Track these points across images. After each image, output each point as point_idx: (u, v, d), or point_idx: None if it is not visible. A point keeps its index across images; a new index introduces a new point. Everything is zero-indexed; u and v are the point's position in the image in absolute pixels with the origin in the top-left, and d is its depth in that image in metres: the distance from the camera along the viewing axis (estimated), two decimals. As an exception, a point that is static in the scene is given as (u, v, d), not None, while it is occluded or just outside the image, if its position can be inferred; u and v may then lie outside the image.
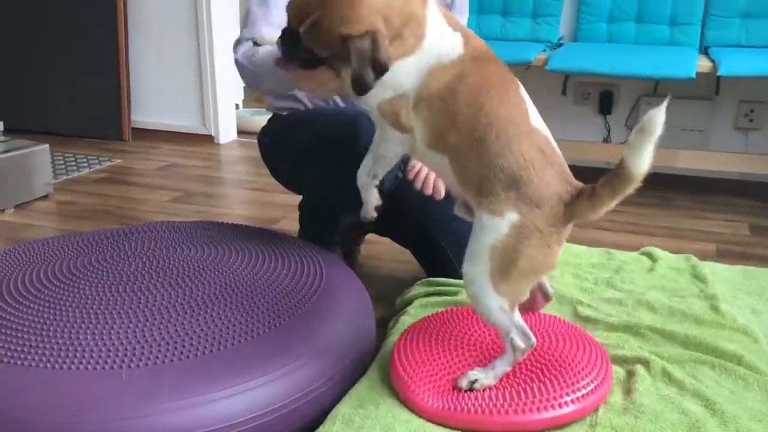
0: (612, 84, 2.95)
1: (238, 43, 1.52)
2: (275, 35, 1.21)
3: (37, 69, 3.53)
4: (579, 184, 1.09)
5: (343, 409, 1.12)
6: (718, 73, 2.43)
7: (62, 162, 3.08)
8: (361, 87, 1.04)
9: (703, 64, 2.51)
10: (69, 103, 3.51)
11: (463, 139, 1.09)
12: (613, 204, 1.07)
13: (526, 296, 1.11)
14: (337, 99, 1.69)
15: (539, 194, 1.05)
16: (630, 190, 1.04)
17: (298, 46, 1.08)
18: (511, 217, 1.05)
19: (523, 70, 2.74)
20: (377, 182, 1.21)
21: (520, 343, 1.10)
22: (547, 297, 1.25)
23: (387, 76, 1.05)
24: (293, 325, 1.20)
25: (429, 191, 1.55)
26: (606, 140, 3.01)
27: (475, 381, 1.12)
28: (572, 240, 1.93)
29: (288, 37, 1.11)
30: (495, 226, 1.06)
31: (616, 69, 2.55)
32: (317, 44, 1.07)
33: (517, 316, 1.10)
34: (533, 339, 1.11)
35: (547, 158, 1.08)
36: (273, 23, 1.49)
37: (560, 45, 2.88)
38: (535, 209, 1.05)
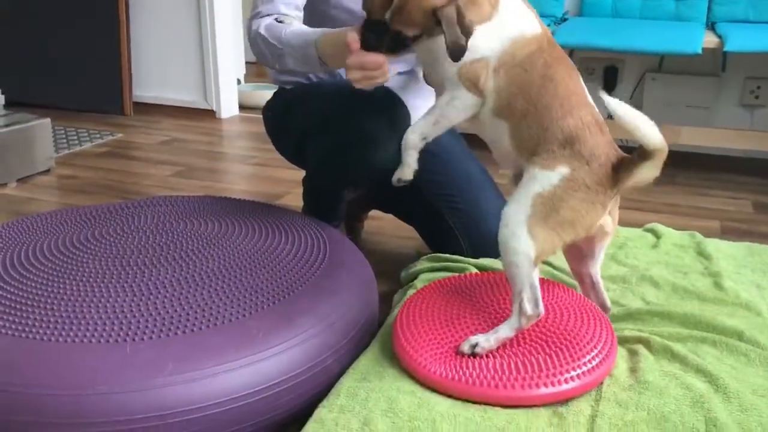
0: (617, 59, 2.92)
1: (256, 16, 1.48)
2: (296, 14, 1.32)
3: (38, 43, 3.50)
4: (621, 153, 1.16)
5: (347, 382, 1.12)
6: (725, 49, 2.41)
7: (64, 136, 3.07)
8: (458, 51, 1.12)
9: (709, 40, 2.48)
10: (70, 77, 3.49)
11: (530, 105, 1.16)
12: (649, 174, 1.13)
13: (554, 251, 1.14)
14: (342, 72, 1.68)
15: (591, 151, 1.12)
16: (657, 160, 1.12)
17: (383, 34, 1.17)
18: (563, 170, 1.12)
19: (528, 45, 2.72)
20: (423, 144, 1.24)
21: (528, 308, 1.12)
22: (604, 308, 1.30)
23: (470, 41, 1.12)
24: (297, 299, 1.20)
25: None
26: (611, 116, 2.99)
27: (476, 345, 1.13)
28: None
29: (371, 27, 1.18)
30: (546, 177, 1.12)
31: (621, 44, 2.52)
32: (406, 25, 1.15)
33: (536, 277, 1.12)
34: (542, 309, 1.12)
35: (600, 126, 1.16)
36: (289, 2, 1.48)
37: (565, 20, 2.85)
38: (586, 166, 1.12)
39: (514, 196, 1.15)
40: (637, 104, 2.93)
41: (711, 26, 2.70)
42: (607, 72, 2.96)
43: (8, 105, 2.65)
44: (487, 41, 1.16)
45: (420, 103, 1.53)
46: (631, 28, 2.68)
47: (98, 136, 3.11)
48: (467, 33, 1.12)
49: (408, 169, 1.24)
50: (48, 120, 2.59)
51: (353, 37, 1.19)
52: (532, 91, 1.16)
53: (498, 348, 1.14)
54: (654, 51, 2.54)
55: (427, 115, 1.23)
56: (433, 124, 1.22)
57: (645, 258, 1.61)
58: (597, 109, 1.19)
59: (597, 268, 1.30)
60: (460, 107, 1.21)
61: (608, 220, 1.19)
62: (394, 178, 1.25)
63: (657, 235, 1.75)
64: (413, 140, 1.23)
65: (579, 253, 1.28)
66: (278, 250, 1.36)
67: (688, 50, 2.41)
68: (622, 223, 1.95)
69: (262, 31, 1.44)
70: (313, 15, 1.64)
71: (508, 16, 1.17)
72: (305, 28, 1.42)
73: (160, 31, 3.48)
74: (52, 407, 0.97)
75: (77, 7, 3.40)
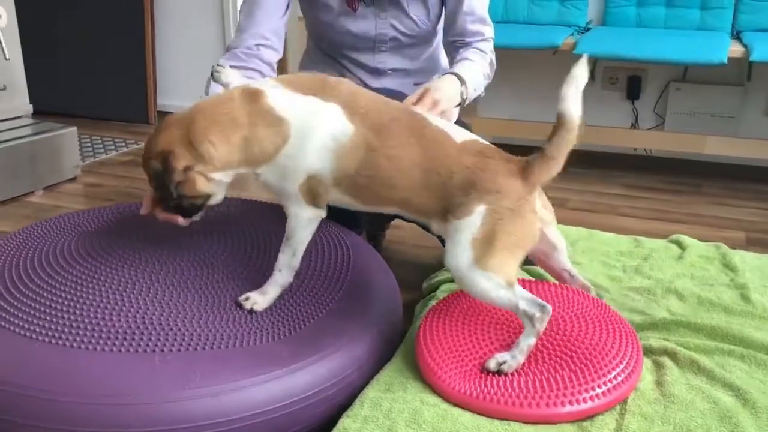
0: (640, 69, 2.91)
1: (226, 50, 1.58)
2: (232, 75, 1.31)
3: (65, 53, 3.56)
4: (518, 158, 1.17)
5: (371, 392, 1.12)
6: (751, 59, 2.39)
7: (89, 144, 3.11)
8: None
9: (734, 49, 2.46)
10: (96, 86, 3.54)
11: (407, 192, 1.18)
12: (562, 159, 1.15)
13: (515, 270, 1.13)
14: (361, 82, 1.69)
15: (494, 182, 1.13)
16: (572, 140, 1.13)
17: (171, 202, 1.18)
18: (480, 209, 1.12)
19: (551, 54, 2.71)
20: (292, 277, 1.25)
21: (534, 311, 1.11)
22: (586, 288, 1.30)
23: (287, 164, 1.16)
24: (323, 320, 1.21)
25: None
26: (634, 126, 2.97)
27: (504, 363, 1.12)
28: (600, 227, 1.93)
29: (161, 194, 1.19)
30: (469, 223, 1.12)
31: (644, 54, 2.51)
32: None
33: (520, 289, 1.12)
34: (548, 306, 1.12)
35: (484, 155, 1.16)
36: (256, 33, 1.55)
37: (588, 29, 2.84)
38: (497, 193, 1.12)
39: (451, 252, 1.13)
40: (661, 114, 2.91)
41: (736, 35, 2.68)
42: (630, 82, 2.94)
43: (36, 114, 2.70)
44: (300, 160, 1.15)
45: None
46: (655, 37, 2.66)
47: (123, 144, 3.15)
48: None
49: (266, 300, 1.22)
50: (74, 129, 2.64)
51: (145, 205, 1.25)
52: (395, 183, 1.17)
53: (523, 364, 1.14)
54: (678, 61, 2.53)
55: (283, 251, 1.23)
56: (293, 255, 1.23)
57: (670, 270, 1.60)
58: (472, 138, 1.19)
59: (564, 258, 1.30)
60: (307, 225, 1.22)
61: (543, 212, 1.19)
62: (247, 305, 1.21)
63: (682, 247, 1.73)
64: (284, 278, 1.24)
65: (541, 253, 1.28)
66: (303, 265, 1.36)
67: (713, 60, 2.39)
68: (647, 233, 1.95)
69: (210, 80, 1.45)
70: (325, 42, 1.68)
71: (303, 125, 1.14)
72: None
73: (185, 41, 3.52)
74: (79, 415, 0.99)
75: (104, 17, 3.45)
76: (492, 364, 1.12)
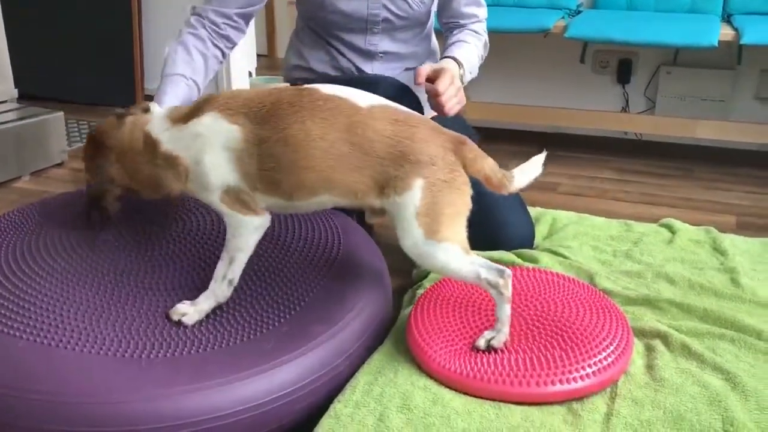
0: (631, 52, 2.90)
1: (192, 11, 1.59)
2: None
3: (50, 37, 3.51)
4: (450, 132, 1.16)
5: (362, 377, 1.12)
6: (741, 42, 2.38)
7: (76, 129, 3.08)
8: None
9: (725, 33, 2.45)
10: (82, 70, 3.50)
11: (325, 171, 1.12)
12: (480, 176, 1.16)
13: (465, 239, 1.13)
14: (352, 65, 1.68)
15: (426, 153, 1.10)
16: (498, 190, 1.17)
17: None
18: (418, 182, 1.10)
19: (541, 37, 2.70)
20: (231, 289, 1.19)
21: (495, 278, 1.11)
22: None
23: (199, 189, 1.15)
24: (309, 308, 1.20)
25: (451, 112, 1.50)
26: (624, 110, 2.97)
27: (492, 338, 1.13)
28: (590, 212, 1.93)
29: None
30: (410, 198, 1.10)
31: (635, 37, 2.50)
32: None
33: (477, 257, 1.13)
34: (507, 269, 1.13)
35: (407, 123, 1.12)
36: (222, 11, 1.57)
37: (579, 12, 2.83)
38: (431, 166, 1.10)
39: (403, 231, 1.12)
40: (652, 98, 2.91)
41: (727, 19, 2.67)
42: (620, 65, 2.93)
43: (22, 98, 2.67)
44: (208, 176, 1.13)
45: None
46: (646, 20, 2.65)
47: (111, 129, 3.11)
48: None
49: (198, 313, 1.16)
50: (61, 113, 2.60)
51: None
52: (306, 170, 1.11)
53: (513, 344, 1.14)
54: (669, 44, 2.52)
55: (221, 261, 1.18)
56: (230, 264, 1.17)
57: (660, 254, 1.60)
58: (386, 103, 1.14)
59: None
60: (246, 233, 1.17)
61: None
62: (175, 317, 1.16)
63: (672, 231, 1.73)
64: (221, 291, 1.18)
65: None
66: (292, 246, 1.35)
67: (704, 43, 2.38)
68: (637, 217, 1.94)
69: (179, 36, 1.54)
70: (315, 22, 1.66)
71: (191, 144, 1.13)
72: (170, 71, 1.49)
73: (172, 24, 3.47)
74: (71, 415, 0.98)
75: (90, 0, 3.40)
76: (481, 343, 1.13)
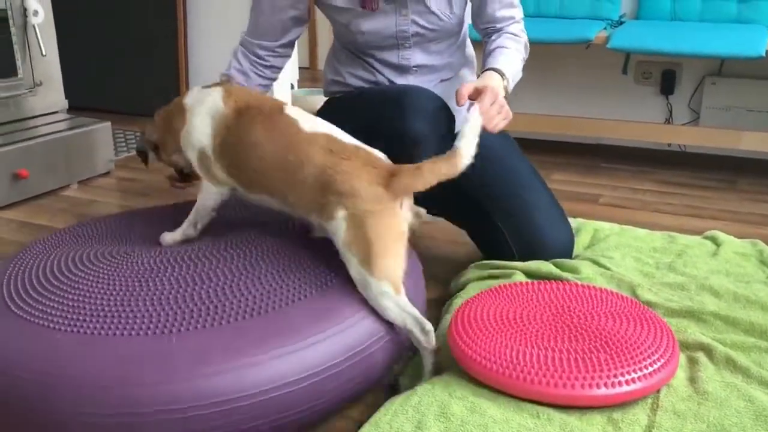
0: (675, 63, 2.86)
1: (240, 43, 1.71)
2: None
3: (99, 49, 3.61)
4: (388, 164, 1.21)
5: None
6: (789, 52, 2.33)
7: (123, 139, 3.16)
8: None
9: (773, 42, 2.41)
10: (129, 81, 3.58)
11: (273, 180, 1.25)
12: (431, 183, 1.17)
13: (400, 272, 1.16)
14: (387, 80, 1.68)
15: (349, 185, 1.15)
16: (449, 175, 1.16)
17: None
18: (341, 213, 1.16)
19: (583, 48, 2.69)
20: (196, 234, 1.40)
21: (417, 333, 1.16)
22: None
23: (185, 142, 1.36)
24: (339, 287, 1.21)
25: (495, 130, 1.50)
26: (668, 121, 2.93)
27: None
28: (633, 223, 1.90)
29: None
30: (337, 228, 1.17)
31: (679, 47, 2.47)
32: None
33: (405, 302, 1.16)
34: (428, 325, 1.16)
35: (339, 155, 1.19)
36: (261, 32, 1.67)
37: (621, 23, 2.80)
38: (354, 198, 1.15)
39: (341, 256, 1.18)
40: (696, 109, 2.86)
41: (774, 28, 2.62)
42: (664, 76, 2.90)
43: (72, 109, 2.74)
44: (192, 137, 1.34)
45: (465, 106, 1.52)
46: (691, 30, 2.62)
47: (156, 139, 3.18)
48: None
49: (172, 239, 1.40)
50: (108, 124, 2.67)
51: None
52: (252, 165, 1.26)
53: (556, 347, 1.13)
54: (714, 54, 2.48)
55: (192, 211, 1.39)
56: (195, 213, 1.39)
57: (705, 266, 1.57)
58: (326, 132, 1.23)
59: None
60: (207, 194, 1.37)
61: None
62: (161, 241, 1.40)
63: (717, 243, 1.70)
64: (184, 231, 1.39)
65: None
66: (321, 240, 1.36)
67: (750, 53, 2.34)
68: (681, 230, 1.91)
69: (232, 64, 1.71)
70: (346, 43, 1.67)
71: (194, 107, 1.35)
72: None
73: (216, 37, 3.54)
74: (100, 398, 1.01)
75: (136, 12, 3.49)
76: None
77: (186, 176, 1.54)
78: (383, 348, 1.18)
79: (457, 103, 1.44)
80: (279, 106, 1.30)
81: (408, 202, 1.22)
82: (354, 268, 1.17)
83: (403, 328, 1.16)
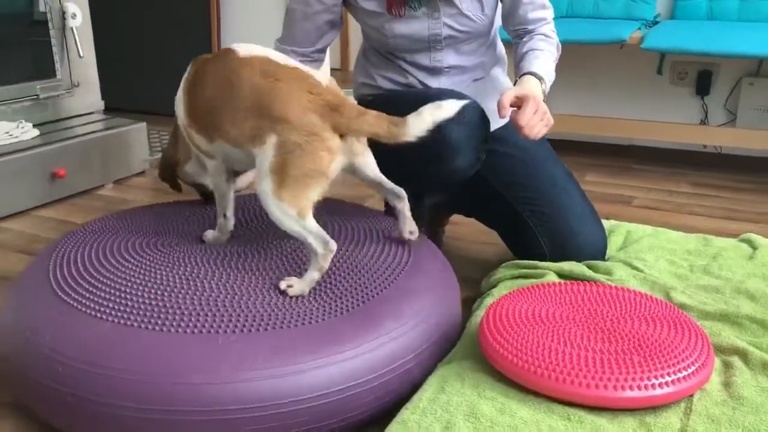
0: (711, 63, 2.81)
1: (275, 49, 1.69)
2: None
3: (133, 52, 3.67)
4: (331, 94, 1.21)
5: (429, 385, 1.12)
6: (830, 51, 2.28)
7: (158, 140, 3.20)
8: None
9: (813, 42, 2.36)
10: (164, 82, 3.62)
11: (214, 117, 1.26)
12: (369, 135, 1.22)
13: (308, 203, 1.19)
14: (418, 81, 1.68)
15: (283, 111, 1.16)
16: (388, 138, 1.18)
17: None
18: (272, 139, 1.17)
19: (617, 48, 2.66)
20: (230, 222, 1.41)
21: (318, 248, 1.19)
22: (398, 196, 1.38)
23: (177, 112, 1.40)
24: (382, 302, 1.22)
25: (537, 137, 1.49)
26: (703, 122, 2.88)
27: (291, 286, 1.20)
28: (666, 226, 1.88)
29: None
30: (266, 154, 1.18)
31: (716, 47, 2.43)
32: None
33: (312, 223, 1.20)
34: (332, 244, 1.20)
35: (274, 75, 1.21)
36: (296, 39, 1.67)
37: (656, 23, 2.77)
38: (285, 124, 1.16)
39: (256, 180, 1.21)
40: (733, 110, 2.82)
41: (815, 28, 2.56)
42: (700, 76, 2.85)
43: (108, 110, 2.79)
44: (178, 112, 1.39)
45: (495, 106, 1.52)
46: (728, 30, 2.57)
47: (189, 140, 3.22)
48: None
49: (213, 237, 1.42)
50: (144, 124, 2.72)
51: None
52: (203, 105, 1.29)
53: (589, 349, 1.11)
54: (752, 54, 2.43)
55: (217, 215, 1.41)
56: (222, 215, 1.39)
57: (740, 270, 1.54)
58: (265, 55, 1.25)
59: (371, 170, 1.34)
60: (213, 177, 1.38)
61: (355, 146, 1.25)
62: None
63: (753, 246, 1.67)
64: (221, 223, 1.41)
65: (351, 172, 1.32)
66: (363, 252, 1.38)
67: (789, 53, 2.30)
68: (716, 232, 1.88)
69: None
70: (376, 46, 1.67)
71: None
72: None
73: (249, 38, 3.58)
74: (146, 393, 1.03)
75: (171, 14, 3.54)
76: (282, 285, 1.21)
77: (208, 195, 1.55)
78: (420, 363, 1.19)
79: (500, 115, 1.43)
80: (228, 49, 1.31)
81: (359, 144, 1.25)
82: (266, 194, 1.19)
83: (304, 242, 1.20)
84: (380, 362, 1.12)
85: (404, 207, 1.39)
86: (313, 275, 1.21)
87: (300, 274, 1.25)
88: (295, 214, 1.18)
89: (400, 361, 1.15)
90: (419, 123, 1.16)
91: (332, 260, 1.29)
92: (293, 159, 1.16)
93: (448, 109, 1.18)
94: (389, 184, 1.37)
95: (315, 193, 1.20)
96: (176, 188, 1.59)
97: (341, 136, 1.21)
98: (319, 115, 1.17)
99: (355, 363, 1.10)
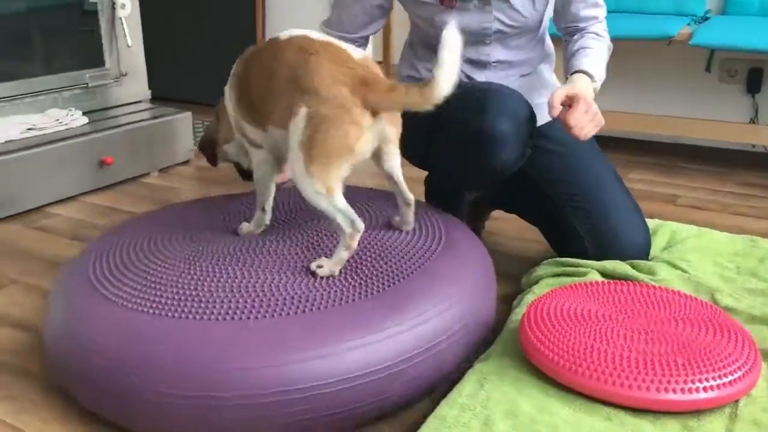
0: (762, 60, 2.74)
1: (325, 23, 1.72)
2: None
3: (179, 42, 3.72)
4: (365, 69, 1.20)
5: (468, 380, 1.13)
6: None
7: (202, 129, 3.24)
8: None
9: None
10: (209, 72, 3.67)
11: (261, 102, 1.29)
12: (402, 108, 1.22)
13: (337, 179, 1.19)
14: (464, 74, 1.67)
15: (312, 82, 1.17)
16: (420, 105, 1.13)
17: None
18: (302, 110, 1.17)
19: (664, 45, 2.61)
20: (267, 216, 1.44)
21: (346, 227, 1.20)
22: (406, 202, 1.39)
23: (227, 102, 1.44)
24: (413, 283, 1.22)
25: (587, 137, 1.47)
26: (753, 121, 2.81)
27: (321, 267, 1.22)
28: (711, 226, 1.84)
29: None
30: (296, 125, 1.18)
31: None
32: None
33: (341, 202, 1.20)
34: (359, 224, 1.20)
35: (307, 51, 1.21)
36: (344, 24, 1.68)
37: (706, 19, 2.71)
38: (315, 95, 1.16)
39: (290, 158, 1.21)
40: (784, 109, 2.74)
41: None
42: (750, 74, 2.78)
43: (154, 99, 2.84)
44: (227, 102, 1.44)
45: (544, 101, 1.50)
46: (781, 27, 2.51)
47: (232, 130, 3.26)
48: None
49: (247, 229, 1.45)
50: (189, 114, 2.76)
51: None
52: (260, 96, 1.30)
53: (632, 350, 1.10)
54: (806, 52, 2.37)
55: (255, 207, 1.43)
56: (258, 194, 1.42)
57: (789, 273, 1.51)
58: (303, 33, 1.27)
59: (393, 166, 1.34)
60: (258, 167, 1.41)
61: (387, 130, 1.24)
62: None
63: (803, 249, 1.63)
64: (259, 216, 1.44)
65: (377, 159, 1.32)
66: (395, 235, 1.38)
67: None
68: (764, 234, 1.84)
69: None
70: (423, 38, 1.66)
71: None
72: None
73: (294, 27, 3.60)
74: (189, 380, 1.05)
75: (216, 6, 3.58)
76: (313, 266, 1.22)
77: (245, 172, 1.58)
78: (452, 346, 1.19)
79: (550, 114, 1.42)
80: (271, 39, 1.33)
81: (391, 127, 1.25)
82: (297, 168, 1.19)
83: (334, 222, 1.21)
84: (410, 344, 1.12)
85: (408, 212, 1.40)
86: (341, 254, 1.22)
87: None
88: (324, 191, 1.19)
89: (430, 343, 1.14)
90: (444, 73, 1.10)
91: (364, 242, 1.30)
92: (321, 132, 1.16)
93: (450, 38, 1.10)
94: (404, 186, 1.37)
95: (343, 169, 1.20)
96: (213, 163, 1.62)
97: (374, 114, 1.19)
98: (350, 88, 1.16)
99: (383, 346, 1.09)
